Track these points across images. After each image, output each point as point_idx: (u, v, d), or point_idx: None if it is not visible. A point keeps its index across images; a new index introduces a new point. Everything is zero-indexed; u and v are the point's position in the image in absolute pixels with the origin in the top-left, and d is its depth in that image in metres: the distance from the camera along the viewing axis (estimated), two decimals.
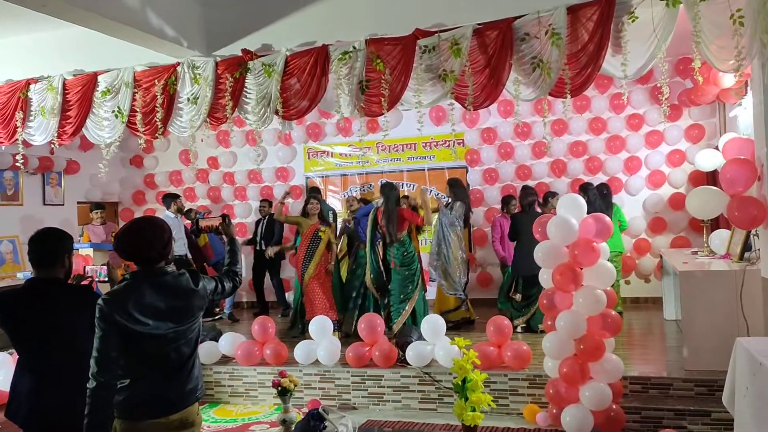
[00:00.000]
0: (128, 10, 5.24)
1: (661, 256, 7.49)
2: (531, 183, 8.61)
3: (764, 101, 4.44)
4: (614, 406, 4.73)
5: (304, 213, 7.25)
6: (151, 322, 2.73)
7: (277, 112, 5.75)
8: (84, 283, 3.57)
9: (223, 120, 5.90)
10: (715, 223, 6.92)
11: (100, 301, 2.68)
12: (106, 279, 5.02)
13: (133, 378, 2.75)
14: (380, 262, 7.13)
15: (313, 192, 8.23)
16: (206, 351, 6.32)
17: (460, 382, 4.58)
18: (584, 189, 7.11)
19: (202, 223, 3.70)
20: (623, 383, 4.98)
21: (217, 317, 8.85)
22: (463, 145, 8.99)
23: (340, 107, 5.58)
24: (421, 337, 6.00)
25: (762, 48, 4.29)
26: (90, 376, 2.62)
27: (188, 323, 2.89)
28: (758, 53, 4.36)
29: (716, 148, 7.04)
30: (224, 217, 3.58)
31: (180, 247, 7.98)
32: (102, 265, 6.42)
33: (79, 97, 6.28)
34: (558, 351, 4.83)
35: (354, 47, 5.47)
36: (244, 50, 5.80)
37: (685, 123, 8.11)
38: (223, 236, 3.55)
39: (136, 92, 6.10)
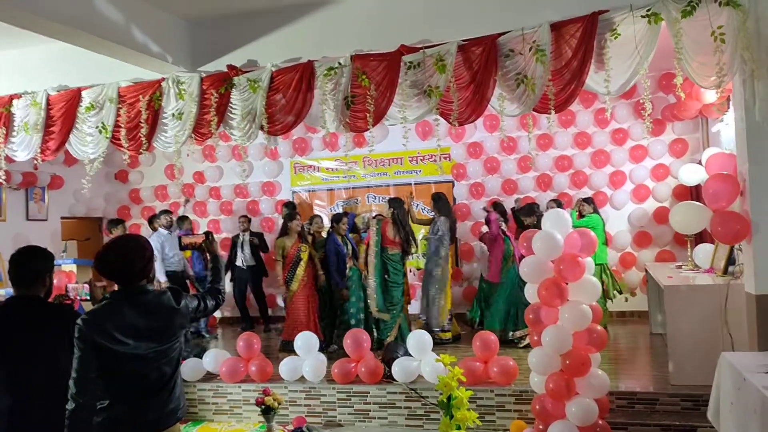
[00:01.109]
0: (113, 26, 5.21)
1: (646, 270, 7.53)
2: (517, 197, 8.68)
3: (745, 117, 4.49)
4: (600, 422, 4.72)
5: (285, 231, 7.25)
6: (131, 342, 2.69)
7: (262, 128, 5.74)
8: (66, 302, 3.52)
9: (208, 135, 5.88)
10: (699, 237, 6.96)
11: (78, 321, 2.65)
12: (88, 297, 4.94)
13: (113, 398, 2.71)
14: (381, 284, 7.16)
15: (291, 208, 8.27)
16: (190, 368, 6.25)
17: (445, 400, 4.56)
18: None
19: (185, 241, 3.67)
20: (609, 398, 4.97)
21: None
22: (449, 160, 9.02)
23: (325, 123, 5.58)
24: (407, 353, 5.97)
25: (743, 64, 4.36)
26: (69, 397, 2.58)
27: (169, 342, 2.85)
28: (739, 69, 4.42)
29: (699, 162, 7.11)
30: (207, 234, 3.55)
31: (176, 262, 7.92)
32: (84, 283, 6.34)
33: (62, 113, 6.23)
34: (544, 366, 4.83)
35: (339, 63, 5.48)
36: (229, 66, 5.79)
37: (669, 138, 8.19)
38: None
39: (121, 108, 6.07)
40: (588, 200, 7.63)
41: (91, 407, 2.61)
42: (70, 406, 2.57)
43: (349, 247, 7.30)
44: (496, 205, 7.59)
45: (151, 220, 8.26)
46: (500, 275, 7.21)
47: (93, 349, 2.62)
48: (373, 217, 7.54)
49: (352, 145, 7.95)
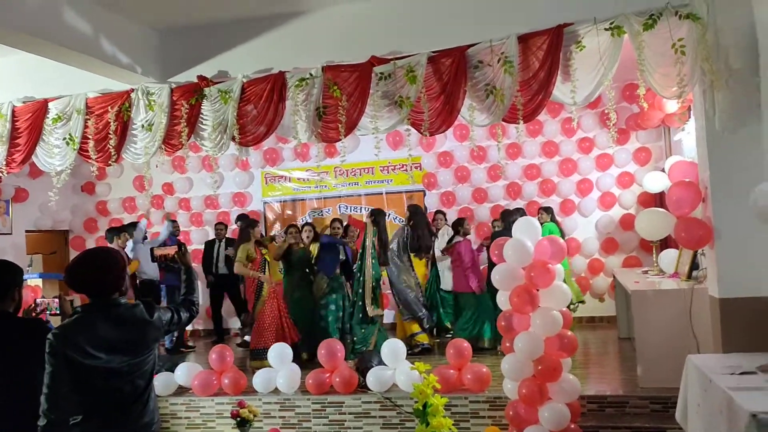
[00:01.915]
0: (81, 37, 5.16)
1: (614, 276, 7.68)
2: (487, 206, 8.80)
3: (706, 126, 4.64)
4: (572, 426, 4.81)
5: (247, 237, 7.17)
6: (104, 356, 2.66)
7: (233, 139, 5.72)
8: (40, 316, 3.47)
9: (178, 147, 5.84)
10: (664, 243, 7.14)
11: (50, 335, 2.61)
12: (58, 311, 4.84)
13: (86, 413, 2.67)
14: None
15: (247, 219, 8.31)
16: (162, 382, 6.15)
17: (420, 407, 4.59)
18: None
19: (157, 252, 3.64)
20: (581, 402, 5.05)
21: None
22: (420, 169, 9.09)
23: (297, 133, 5.59)
24: (381, 362, 5.98)
25: (703, 75, 4.52)
26: (41, 414, 2.54)
27: (143, 355, 2.83)
28: (699, 80, 4.58)
29: (663, 170, 7.31)
30: (180, 245, 3.52)
31: (152, 270, 7.82)
32: (54, 297, 6.21)
33: (28, 125, 6.12)
34: (517, 372, 4.89)
35: (311, 74, 5.51)
36: (199, 77, 5.76)
37: (633, 146, 8.39)
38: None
39: (89, 119, 5.99)
40: (547, 209, 7.81)
41: (64, 423, 2.57)
42: (41, 422, 2.53)
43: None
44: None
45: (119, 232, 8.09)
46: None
47: (65, 364, 2.59)
48: (368, 217, 7.48)
49: (324, 155, 7.98)
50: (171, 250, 3.50)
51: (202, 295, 7.72)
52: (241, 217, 8.72)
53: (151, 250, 3.73)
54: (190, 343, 8.71)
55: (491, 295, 7.08)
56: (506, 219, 7.22)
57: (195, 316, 3.25)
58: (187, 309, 3.17)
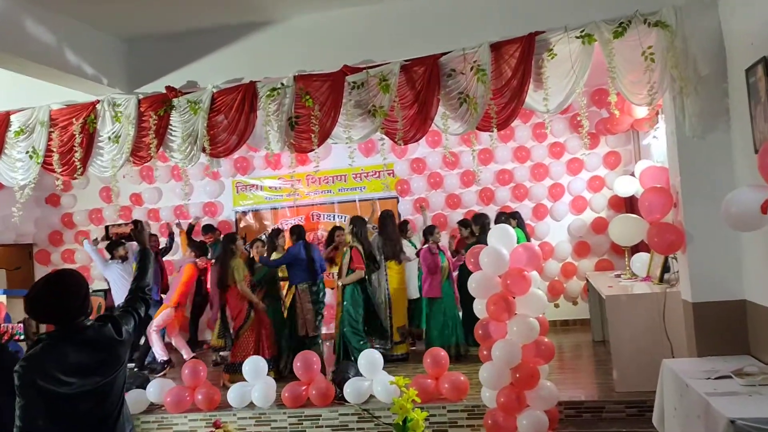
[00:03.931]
0: (43, 48, 5.01)
1: (587, 279, 7.75)
2: (460, 211, 8.80)
3: (676, 132, 4.69)
4: None
5: (232, 253, 6.88)
6: (76, 381, 2.59)
7: (204, 150, 5.61)
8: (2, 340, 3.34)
9: (147, 158, 5.71)
10: (636, 247, 7.22)
11: (17, 367, 2.50)
12: (23, 337, 4.66)
13: None
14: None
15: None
16: (133, 399, 5.99)
17: (401, 422, 4.54)
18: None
19: (113, 231, 3.51)
20: (558, 408, 5.07)
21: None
22: (393, 176, 9.07)
23: (269, 144, 5.50)
24: (358, 373, 5.93)
25: (672, 82, 4.57)
26: None
27: (115, 373, 2.76)
28: (669, 87, 4.63)
29: (632, 174, 7.40)
30: (136, 222, 3.37)
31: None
32: (18, 322, 5.97)
33: None
34: (495, 380, 4.89)
35: (282, 84, 5.43)
36: (168, 87, 5.64)
37: (603, 150, 8.49)
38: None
39: (53, 131, 5.82)
40: (514, 215, 7.82)
41: None
42: None
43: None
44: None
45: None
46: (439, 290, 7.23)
47: (37, 395, 2.49)
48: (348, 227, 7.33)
49: (296, 163, 7.90)
50: (127, 228, 3.37)
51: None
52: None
53: (106, 227, 3.60)
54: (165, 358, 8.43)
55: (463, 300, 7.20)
56: (479, 223, 7.28)
57: (150, 304, 3.17)
58: (141, 301, 3.08)
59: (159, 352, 7.57)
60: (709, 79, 4.52)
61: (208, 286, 8.29)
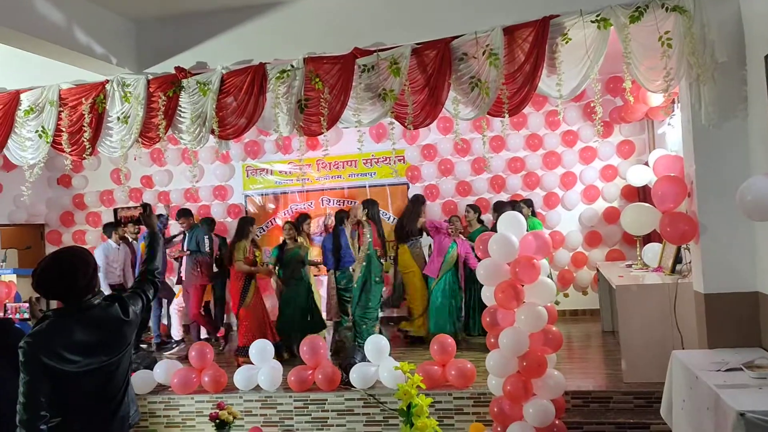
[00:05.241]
0: (53, 27, 4.98)
1: (597, 269, 7.67)
2: (471, 198, 8.74)
3: (692, 120, 4.60)
4: (557, 422, 4.78)
5: (241, 235, 7.16)
6: (81, 359, 2.58)
7: (213, 132, 5.58)
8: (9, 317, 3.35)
9: (156, 140, 5.68)
10: (648, 237, 7.14)
11: (22, 343, 2.50)
12: (28, 317, 4.68)
13: (65, 417, 2.58)
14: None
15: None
16: (140, 380, 6.04)
17: (405, 408, 4.52)
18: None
19: (121, 214, 3.48)
20: (565, 398, 5.03)
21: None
22: (404, 162, 9.00)
23: (278, 126, 5.46)
24: (364, 358, 5.91)
25: (689, 69, 4.46)
26: (18, 424, 2.45)
27: (121, 353, 2.76)
28: (685, 74, 4.52)
29: (646, 163, 7.29)
30: (145, 206, 3.33)
31: (114, 277, 7.70)
32: (24, 301, 6.00)
33: None
34: (502, 368, 4.86)
35: (292, 66, 5.38)
36: (177, 68, 5.60)
37: (616, 139, 8.37)
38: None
39: (62, 111, 5.81)
40: (527, 202, 7.78)
41: None
42: None
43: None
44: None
45: (107, 229, 7.93)
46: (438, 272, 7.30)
47: (42, 371, 2.49)
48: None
49: (306, 148, 7.86)
50: (136, 212, 3.35)
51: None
52: (245, 218, 8.51)
53: (115, 210, 3.58)
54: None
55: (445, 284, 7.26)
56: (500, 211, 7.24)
57: (159, 287, 3.16)
58: (150, 283, 3.09)
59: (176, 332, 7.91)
60: (727, 66, 4.41)
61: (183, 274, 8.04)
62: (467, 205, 8.00)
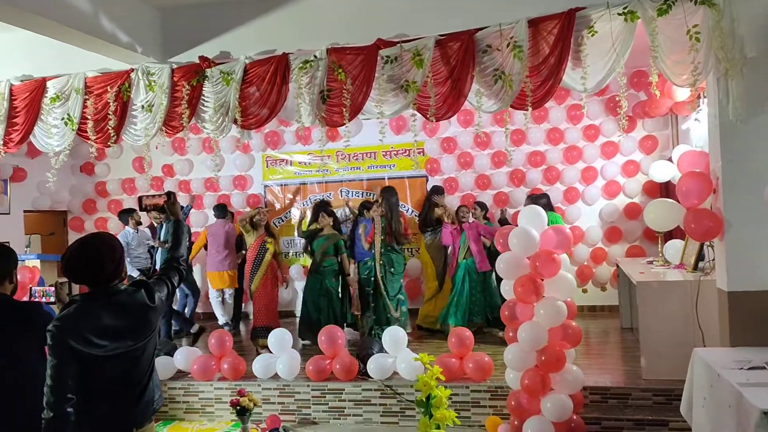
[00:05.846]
0: (79, 15, 5.03)
1: (617, 265, 7.62)
2: (490, 192, 8.71)
3: (719, 115, 4.53)
4: (575, 417, 4.77)
5: (252, 224, 7.36)
6: (108, 344, 2.62)
7: (235, 121, 5.61)
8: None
9: (179, 128, 5.73)
10: (669, 233, 7.07)
11: (51, 327, 2.54)
12: (53, 300, 4.76)
13: (92, 401, 2.62)
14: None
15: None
16: (161, 366, 6.10)
17: (424, 399, 4.53)
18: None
19: (146, 202, 3.53)
20: (583, 393, 5.01)
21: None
22: (424, 155, 8.99)
23: (300, 117, 5.47)
24: (382, 350, 5.94)
25: (717, 63, 4.40)
26: (45, 406, 2.49)
27: (146, 339, 2.80)
28: (713, 68, 4.46)
29: (669, 159, 7.21)
30: (169, 194, 3.36)
31: (141, 261, 7.82)
32: (50, 285, 6.11)
33: (26, 104, 6.00)
34: (520, 362, 4.84)
35: (315, 56, 5.38)
36: (201, 57, 5.64)
37: (639, 134, 8.28)
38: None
39: (87, 99, 5.87)
40: (544, 196, 7.74)
41: (68, 415, 2.51)
42: (46, 415, 2.48)
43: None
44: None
45: (123, 216, 8.05)
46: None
47: (70, 355, 2.53)
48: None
49: (326, 139, 7.88)
50: (160, 200, 3.39)
51: None
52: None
53: (140, 198, 3.62)
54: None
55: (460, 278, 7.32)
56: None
57: (184, 275, 3.20)
58: (175, 270, 3.13)
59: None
60: (756, 61, 4.34)
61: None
62: (474, 202, 8.03)
